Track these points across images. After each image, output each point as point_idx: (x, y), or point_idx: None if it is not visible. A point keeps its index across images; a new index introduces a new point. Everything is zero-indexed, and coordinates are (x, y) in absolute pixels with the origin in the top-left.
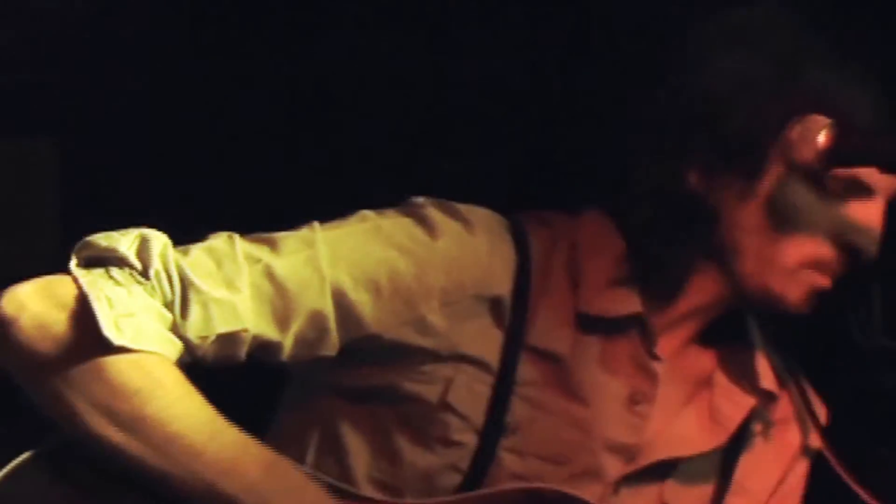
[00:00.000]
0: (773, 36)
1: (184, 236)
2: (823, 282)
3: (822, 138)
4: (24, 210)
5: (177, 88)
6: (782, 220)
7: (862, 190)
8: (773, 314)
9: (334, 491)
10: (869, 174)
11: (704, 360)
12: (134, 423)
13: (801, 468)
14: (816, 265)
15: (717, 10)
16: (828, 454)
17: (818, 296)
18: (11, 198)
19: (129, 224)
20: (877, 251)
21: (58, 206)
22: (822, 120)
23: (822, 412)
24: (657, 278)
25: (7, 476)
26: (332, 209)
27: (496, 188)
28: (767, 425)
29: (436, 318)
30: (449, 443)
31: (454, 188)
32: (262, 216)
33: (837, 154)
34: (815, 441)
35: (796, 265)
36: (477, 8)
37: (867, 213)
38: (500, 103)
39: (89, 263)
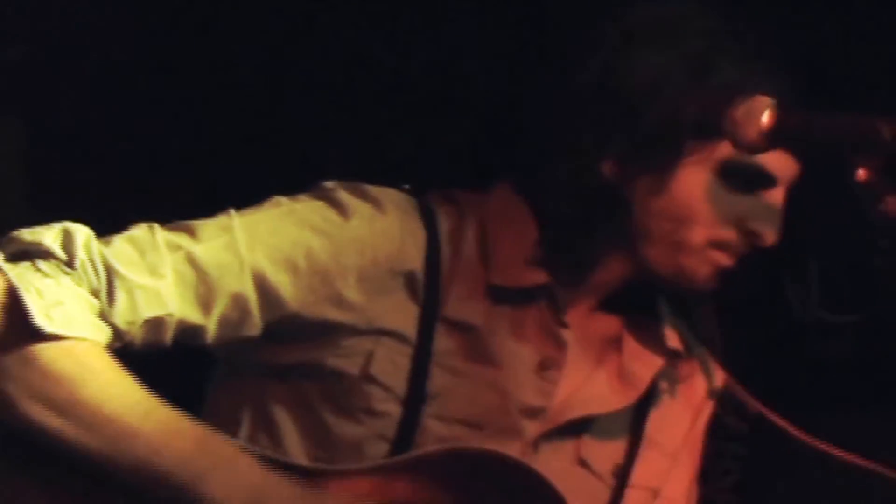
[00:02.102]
0: (686, 34)
1: (147, 216)
2: (727, 261)
3: (765, 118)
4: None
5: (142, 69)
6: (691, 208)
7: (766, 179)
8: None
9: (267, 461)
10: (774, 164)
11: (612, 325)
12: (69, 408)
13: (707, 411)
14: (720, 246)
15: (633, 6)
16: (730, 380)
17: (726, 275)
18: None
19: (94, 202)
20: (777, 234)
21: (26, 185)
22: (766, 100)
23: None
24: (567, 257)
25: None
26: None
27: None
28: (674, 383)
29: (353, 294)
30: (374, 413)
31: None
32: (224, 195)
33: (779, 133)
34: (719, 381)
35: (702, 245)
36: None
37: (769, 201)
38: (437, 97)
39: (15, 258)
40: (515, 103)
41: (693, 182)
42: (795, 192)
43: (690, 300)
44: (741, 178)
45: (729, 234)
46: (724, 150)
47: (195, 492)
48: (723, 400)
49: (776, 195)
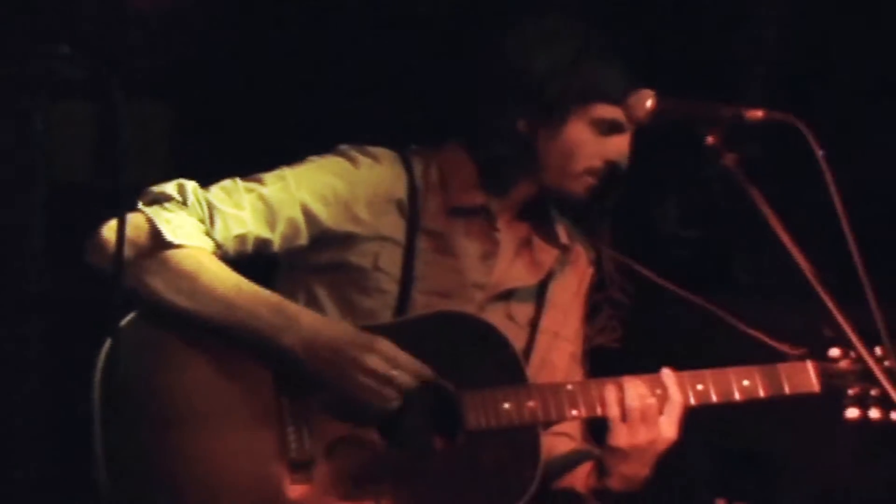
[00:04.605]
0: (565, 39)
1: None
2: (594, 182)
3: (649, 103)
4: (143, 154)
5: (260, 65)
6: (574, 148)
7: (619, 128)
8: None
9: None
10: (624, 118)
11: (525, 229)
12: (192, 293)
13: (587, 277)
14: (591, 173)
15: (528, 18)
16: (618, 262)
17: (592, 190)
18: (135, 144)
19: (224, 165)
20: (626, 164)
21: (168, 150)
22: (650, 91)
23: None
24: (495, 184)
25: (123, 330)
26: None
27: (403, 133)
28: (565, 264)
29: (364, 215)
30: (382, 291)
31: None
32: (282, 156)
33: (658, 112)
34: (591, 254)
35: (580, 173)
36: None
37: (622, 142)
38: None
39: (149, 203)
40: (455, 87)
41: (576, 132)
42: (664, 151)
43: (593, 218)
44: (605, 128)
45: (597, 163)
46: (594, 111)
47: (276, 343)
48: (610, 280)
49: (626, 138)
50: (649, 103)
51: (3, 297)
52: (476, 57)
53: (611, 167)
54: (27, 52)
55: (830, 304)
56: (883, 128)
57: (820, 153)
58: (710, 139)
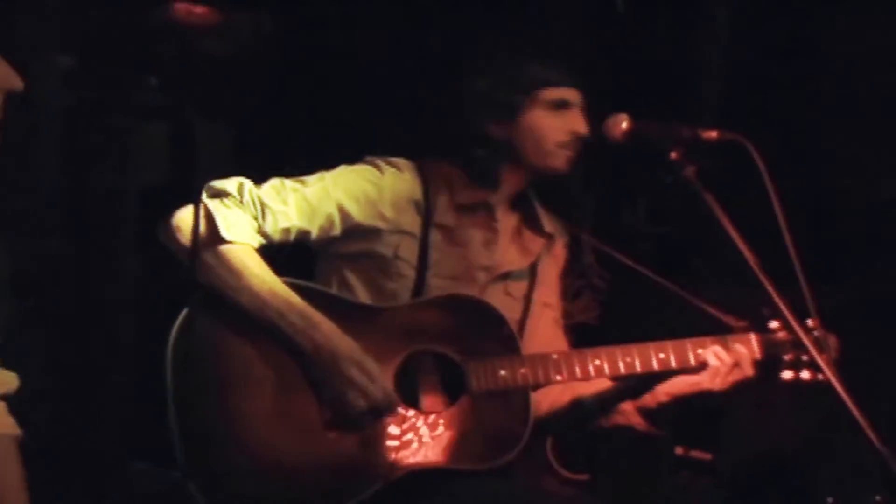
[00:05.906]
0: (501, 52)
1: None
2: (571, 152)
3: (623, 125)
4: (211, 166)
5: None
6: (539, 131)
7: (568, 104)
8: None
9: (340, 299)
10: (568, 94)
11: (516, 219)
12: (238, 288)
13: (562, 258)
14: (563, 145)
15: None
16: (579, 233)
17: (570, 162)
18: (204, 159)
19: (276, 175)
20: (587, 133)
21: (231, 164)
22: (624, 115)
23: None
24: (487, 181)
25: (188, 314)
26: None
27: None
28: (550, 248)
29: (388, 212)
30: (402, 276)
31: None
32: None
33: (631, 133)
34: (565, 239)
35: (553, 149)
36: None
37: (577, 116)
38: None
39: (212, 196)
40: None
41: (535, 117)
42: (636, 163)
43: (577, 216)
44: (557, 106)
45: (564, 137)
46: (542, 95)
47: (294, 340)
48: (590, 268)
49: (578, 112)
50: (624, 125)
51: (105, 284)
52: (449, 80)
53: (578, 138)
54: (121, 83)
55: (770, 288)
56: (823, 139)
57: (762, 166)
58: (673, 154)
